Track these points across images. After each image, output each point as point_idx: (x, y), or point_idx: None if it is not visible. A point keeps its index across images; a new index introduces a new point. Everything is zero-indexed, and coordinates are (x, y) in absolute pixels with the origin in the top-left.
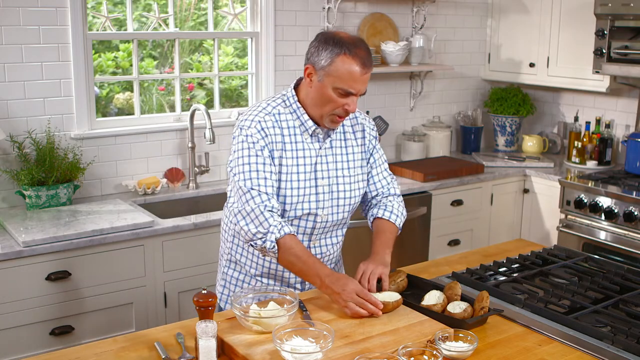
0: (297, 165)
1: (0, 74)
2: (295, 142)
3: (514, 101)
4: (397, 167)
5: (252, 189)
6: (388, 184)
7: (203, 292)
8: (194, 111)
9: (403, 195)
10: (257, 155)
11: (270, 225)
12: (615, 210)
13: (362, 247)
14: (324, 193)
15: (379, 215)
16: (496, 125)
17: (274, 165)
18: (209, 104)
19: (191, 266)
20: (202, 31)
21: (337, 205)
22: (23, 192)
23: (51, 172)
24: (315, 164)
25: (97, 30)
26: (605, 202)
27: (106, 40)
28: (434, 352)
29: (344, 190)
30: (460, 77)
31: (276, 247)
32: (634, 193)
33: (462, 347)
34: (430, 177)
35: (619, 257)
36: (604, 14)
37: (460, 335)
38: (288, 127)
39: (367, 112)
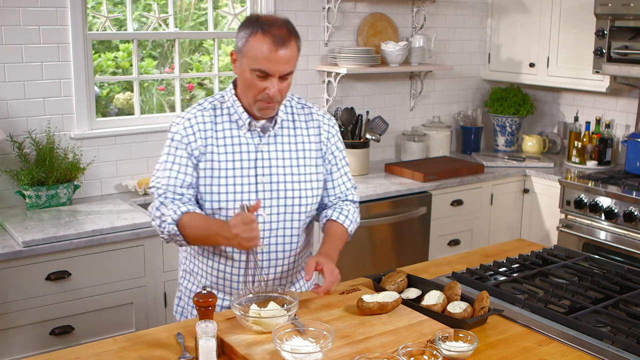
0: (234, 160)
1: (0, 74)
2: (232, 137)
3: (514, 101)
4: (397, 167)
5: (157, 187)
6: (347, 189)
7: (203, 292)
8: None
9: (403, 196)
10: (175, 155)
11: (166, 212)
12: (615, 210)
13: (362, 247)
14: (264, 191)
15: (333, 218)
16: (496, 125)
17: (200, 161)
18: None
19: None
20: (202, 31)
21: (285, 205)
22: (23, 192)
23: (51, 172)
24: (255, 159)
25: (97, 30)
26: (605, 202)
27: (106, 40)
28: (434, 352)
29: (292, 189)
30: (460, 77)
31: (177, 229)
32: (634, 193)
33: (462, 347)
34: (430, 177)
35: (619, 257)
36: (604, 14)
37: (460, 335)
38: (223, 122)
39: (367, 112)
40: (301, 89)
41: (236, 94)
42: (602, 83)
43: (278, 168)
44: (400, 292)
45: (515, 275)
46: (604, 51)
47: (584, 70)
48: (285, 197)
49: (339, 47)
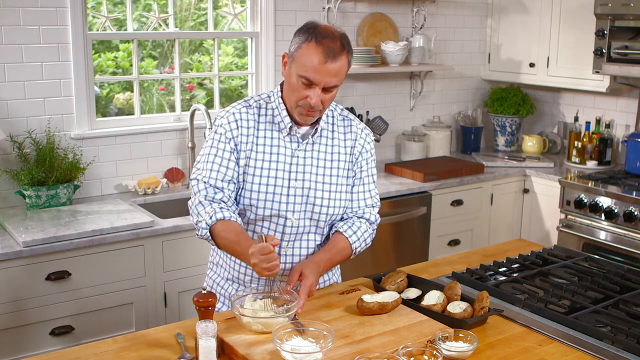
0: (270, 161)
1: (0, 74)
2: (271, 138)
3: (514, 101)
4: (397, 167)
5: (198, 180)
6: (366, 206)
7: (203, 292)
8: (194, 111)
9: (403, 196)
10: (218, 148)
11: (203, 213)
12: (615, 210)
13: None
14: (295, 195)
15: (341, 230)
16: (496, 125)
17: (239, 158)
18: (209, 104)
19: (191, 266)
20: (202, 31)
21: (312, 212)
22: (23, 192)
23: (51, 172)
24: (290, 164)
25: (97, 30)
26: (605, 202)
27: (106, 40)
28: (434, 352)
29: (322, 198)
30: (460, 77)
31: (209, 234)
32: (634, 193)
33: (462, 347)
34: (430, 177)
35: (619, 257)
36: (604, 14)
37: (460, 335)
38: (266, 122)
39: (367, 112)
40: None
41: (282, 97)
42: (602, 83)
43: (311, 175)
44: (400, 292)
45: (515, 275)
46: (604, 51)
47: (584, 70)
48: (314, 204)
49: None
